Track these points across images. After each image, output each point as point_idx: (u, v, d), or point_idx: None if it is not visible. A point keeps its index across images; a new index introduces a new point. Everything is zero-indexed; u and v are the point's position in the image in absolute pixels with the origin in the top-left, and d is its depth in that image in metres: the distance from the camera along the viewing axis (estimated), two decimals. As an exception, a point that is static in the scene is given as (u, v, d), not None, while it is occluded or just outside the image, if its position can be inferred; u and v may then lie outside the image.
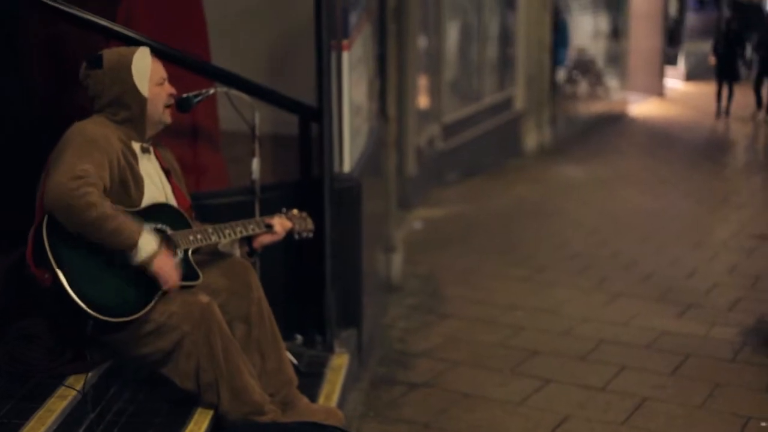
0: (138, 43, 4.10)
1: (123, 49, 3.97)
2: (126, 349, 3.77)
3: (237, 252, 4.23)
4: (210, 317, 3.78)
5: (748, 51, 19.29)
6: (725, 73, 18.00)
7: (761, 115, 17.69)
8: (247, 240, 4.27)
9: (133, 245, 3.57)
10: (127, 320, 3.63)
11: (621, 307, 6.99)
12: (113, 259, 3.59)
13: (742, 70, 18.75)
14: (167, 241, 3.79)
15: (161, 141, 4.11)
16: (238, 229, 4.13)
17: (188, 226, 3.94)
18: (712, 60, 18.63)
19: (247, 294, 4.09)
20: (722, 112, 18.03)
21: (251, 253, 4.30)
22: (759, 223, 9.99)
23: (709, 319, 6.73)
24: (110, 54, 3.89)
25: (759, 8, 20.67)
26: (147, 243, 3.61)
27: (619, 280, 7.66)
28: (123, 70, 3.83)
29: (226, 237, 4.06)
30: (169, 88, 3.98)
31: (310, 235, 4.55)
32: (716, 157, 14.06)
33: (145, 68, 3.88)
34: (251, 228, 4.20)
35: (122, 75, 3.82)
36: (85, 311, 3.51)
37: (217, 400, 3.86)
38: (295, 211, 4.48)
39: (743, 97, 18.24)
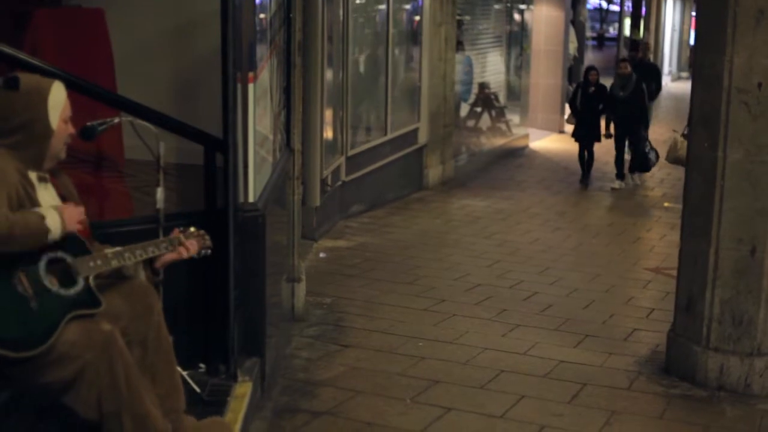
0: (47, 73, 4.09)
1: (41, 78, 3.96)
2: (27, 378, 3.72)
3: (142, 275, 4.19)
4: (112, 346, 3.75)
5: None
6: (583, 134, 14.48)
7: (625, 183, 14.54)
8: (151, 262, 4.22)
9: (46, 231, 3.62)
10: (34, 354, 3.59)
11: (520, 337, 7.11)
12: (14, 294, 3.56)
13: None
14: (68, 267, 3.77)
15: (59, 167, 4.07)
16: (138, 251, 4.08)
17: (87, 251, 3.90)
18: (570, 119, 15.16)
19: (149, 317, 4.06)
20: (585, 179, 14.61)
21: (155, 272, 4.25)
22: (654, 256, 10.27)
23: (605, 348, 6.90)
24: (28, 79, 3.87)
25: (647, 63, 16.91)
26: (52, 219, 3.66)
27: (518, 311, 7.80)
28: (39, 98, 3.82)
29: (126, 260, 4.02)
30: (71, 128, 3.99)
31: (209, 252, 4.43)
32: (613, 192, 14.34)
33: (59, 102, 3.89)
34: (150, 250, 4.14)
35: (37, 103, 3.81)
36: None
37: (119, 430, 3.82)
38: (192, 229, 4.38)
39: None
